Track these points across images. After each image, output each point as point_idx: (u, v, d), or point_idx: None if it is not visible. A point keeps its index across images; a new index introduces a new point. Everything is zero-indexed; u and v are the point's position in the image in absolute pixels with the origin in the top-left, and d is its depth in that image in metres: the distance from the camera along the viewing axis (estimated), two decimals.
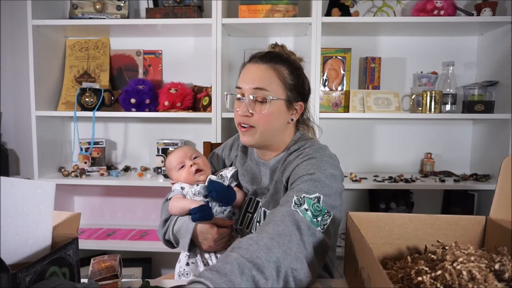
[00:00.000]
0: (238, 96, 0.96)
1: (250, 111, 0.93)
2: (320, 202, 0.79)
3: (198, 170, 1.05)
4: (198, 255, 1.00)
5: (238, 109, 0.96)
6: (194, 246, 1.00)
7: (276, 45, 1.05)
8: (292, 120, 0.99)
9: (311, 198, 0.78)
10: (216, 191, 0.98)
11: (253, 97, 0.93)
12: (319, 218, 0.77)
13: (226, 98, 1.07)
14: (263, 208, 0.97)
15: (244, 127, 0.96)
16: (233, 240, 1.01)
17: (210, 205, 1.00)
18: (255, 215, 1.01)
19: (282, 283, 0.65)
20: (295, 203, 0.77)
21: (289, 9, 1.70)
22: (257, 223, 0.98)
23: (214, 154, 1.19)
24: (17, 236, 0.58)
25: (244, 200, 1.06)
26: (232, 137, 1.19)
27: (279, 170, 0.97)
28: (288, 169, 0.92)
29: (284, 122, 0.97)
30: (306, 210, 0.76)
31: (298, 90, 0.97)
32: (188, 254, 1.00)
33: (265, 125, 0.94)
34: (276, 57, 0.96)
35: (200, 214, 0.96)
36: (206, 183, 1.03)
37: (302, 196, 0.78)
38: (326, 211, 0.78)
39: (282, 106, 0.95)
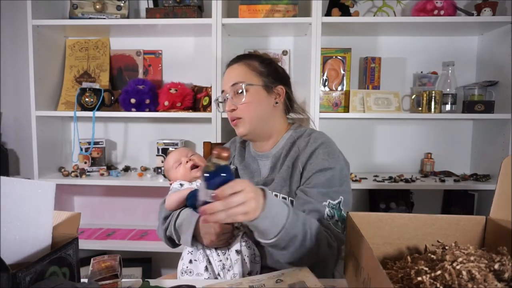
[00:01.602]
0: (223, 98, 1.06)
1: (234, 104, 1.02)
2: (341, 205, 0.94)
3: (194, 166, 1.08)
4: (201, 250, 0.99)
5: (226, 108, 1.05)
6: (195, 242, 1.00)
7: (249, 51, 1.17)
8: (277, 103, 1.05)
9: (335, 205, 0.93)
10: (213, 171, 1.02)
11: (234, 91, 1.02)
12: (343, 225, 0.91)
13: (218, 106, 1.12)
14: (273, 193, 1.00)
15: (234, 120, 1.04)
16: (234, 238, 1.01)
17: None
18: None
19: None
20: (328, 215, 0.91)
21: (289, 9, 1.70)
22: None
23: (210, 158, 1.22)
24: (17, 236, 0.58)
25: None
26: (228, 143, 1.24)
27: (286, 156, 1.02)
28: (304, 155, 0.99)
29: (269, 106, 1.04)
30: (337, 221, 0.91)
31: (273, 75, 1.06)
32: (190, 251, 1.00)
33: (250, 113, 1.02)
34: (246, 55, 1.10)
35: (196, 196, 0.97)
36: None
37: (329, 204, 0.92)
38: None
39: (260, 91, 1.03)
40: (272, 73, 1.06)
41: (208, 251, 0.99)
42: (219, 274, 0.96)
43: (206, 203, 0.70)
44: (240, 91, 1.01)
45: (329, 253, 0.88)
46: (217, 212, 0.68)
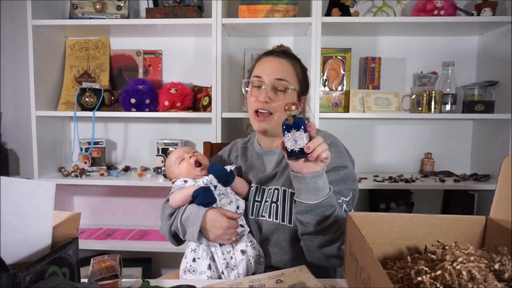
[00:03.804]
0: (257, 84, 1.05)
1: (270, 98, 1.03)
2: (351, 202, 0.99)
3: (198, 164, 1.07)
4: (205, 247, 0.99)
5: (257, 96, 1.04)
6: (200, 237, 1.00)
7: (282, 46, 1.15)
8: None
9: (348, 202, 0.98)
10: (215, 168, 1.05)
11: (276, 86, 1.03)
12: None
13: (247, 86, 1.11)
14: (282, 188, 1.02)
15: (262, 113, 1.04)
16: (240, 237, 1.01)
17: (215, 196, 1.01)
18: (265, 199, 1.04)
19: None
20: (345, 211, 0.96)
21: (289, 9, 1.70)
22: (273, 204, 1.02)
23: (214, 157, 1.25)
24: (17, 236, 0.58)
25: (250, 191, 1.08)
26: (229, 145, 1.25)
27: None
28: None
29: None
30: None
31: (305, 86, 1.11)
32: (194, 249, 1.00)
33: (282, 112, 1.01)
34: (292, 55, 1.12)
35: (204, 193, 0.98)
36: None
37: (343, 201, 0.97)
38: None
39: (295, 97, 1.07)
40: (305, 82, 1.11)
41: (212, 248, 0.99)
42: (222, 273, 0.96)
43: (292, 151, 0.83)
44: (282, 88, 1.03)
45: (344, 238, 0.88)
46: (318, 148, 0.81)
